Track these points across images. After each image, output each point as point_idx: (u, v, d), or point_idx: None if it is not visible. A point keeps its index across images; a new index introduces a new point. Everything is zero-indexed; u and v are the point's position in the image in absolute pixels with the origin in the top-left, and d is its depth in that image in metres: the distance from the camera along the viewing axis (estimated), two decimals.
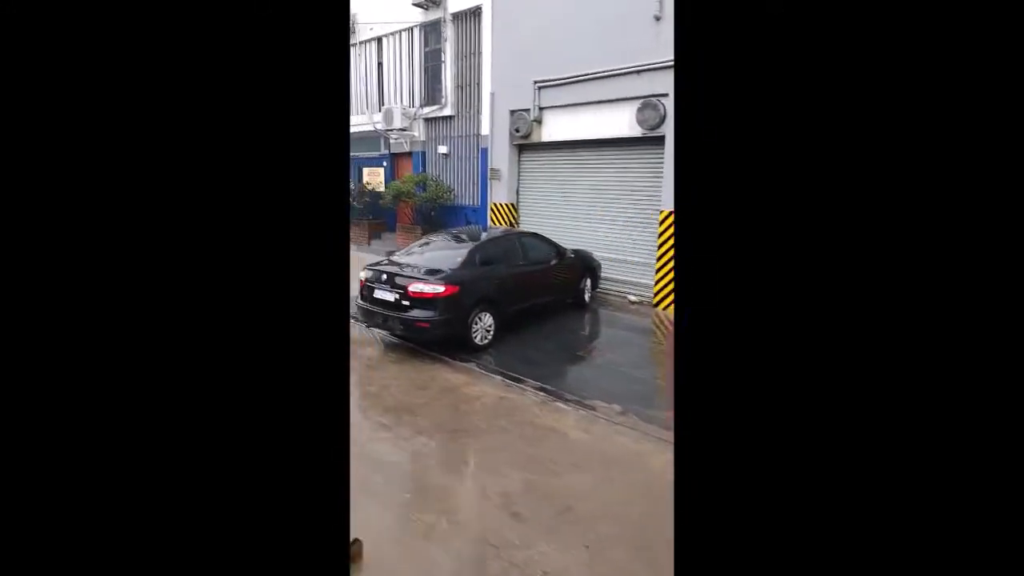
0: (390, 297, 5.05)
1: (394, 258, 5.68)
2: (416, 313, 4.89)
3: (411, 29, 10.19)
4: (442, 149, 9.97)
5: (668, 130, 6.53)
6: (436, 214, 9.87)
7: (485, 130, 9.00)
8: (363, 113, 11.65)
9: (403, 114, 10.14)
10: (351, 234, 11.42)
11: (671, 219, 6.61)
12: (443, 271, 5.07)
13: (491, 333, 5.34)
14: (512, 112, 8.42)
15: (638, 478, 3.08)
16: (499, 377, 4.63)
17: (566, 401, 4.16)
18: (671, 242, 6.64)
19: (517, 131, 8.32)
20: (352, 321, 6.07)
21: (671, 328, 6.23)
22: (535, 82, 7.93)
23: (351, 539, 2.20)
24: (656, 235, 7.01)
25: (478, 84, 9.12)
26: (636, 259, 7.48)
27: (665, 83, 6.58)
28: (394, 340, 5.56)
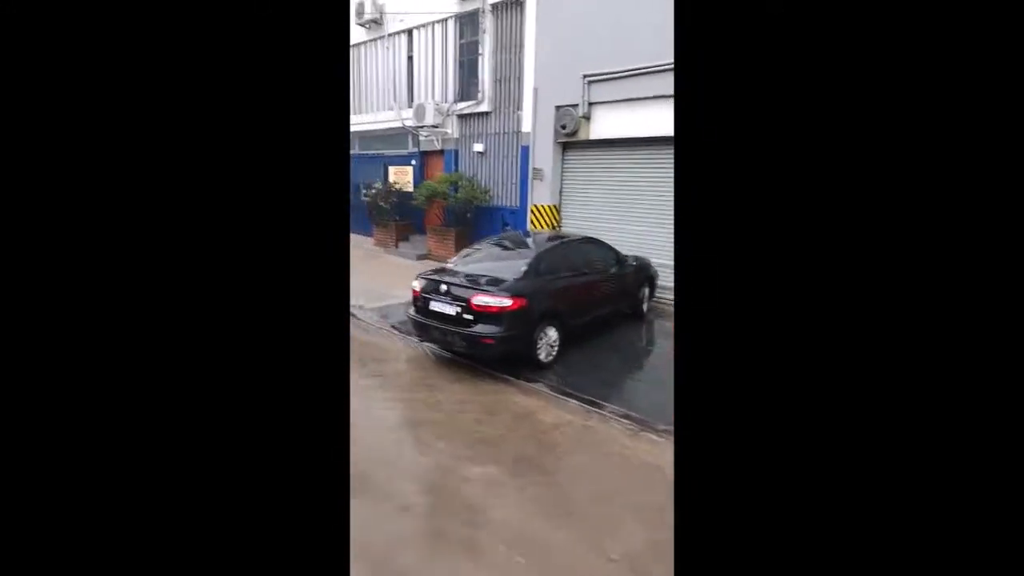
0: (450, 310, 4.60)
1: (448, 266, 5.22)
2: (480, 328, 4.44)
3: (445, 20, 9.71)
4: (478, 147, 9.48)
5: None
6: (471, 216, 9.40)
7: (526, 127, 8.53)
8: (390, 109, 11.21)
9: (436, 110, 9.68)
10: (378, 237, 11.01)
11: None
12: (506, 281, 4.62)
13: (555, 349, 4.89)
14: (557, 108, 7.94)
15: None
16: (574, 401, 4.18)
17: (657, 431, 3.71)
18: None
19: (563, 128, 7.84)
20: (397, 333, 5.66)
21: None
22: (584, 76, 7.44)
23: None
24: None
25: (518, 78, 8.63)
26: None
27: None
28: (444, 354, 5.12)
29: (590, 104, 7.57)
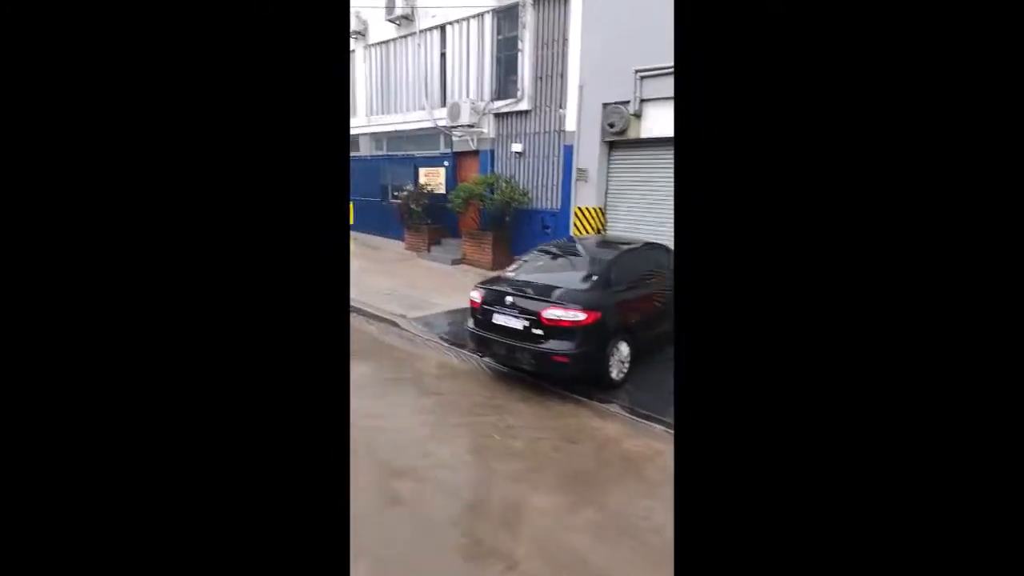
0: (517, 324, 4.22)
1: (507, 276, 4.85)
2: (552, 344, 4.06)
3: (481, 16, 9.35)
4: (516, 147, 9.09)
5: None
6: (509, 219, 9.02)
7: (570, 126, 8.13)
8: (421, 108, 10.88)
9: (472, 109, 9.31)
10: (410, 241, 10.68)
11: None
12: (577, 292, 4.24)
13: (626, 366, 4.50)
14: (604, 105, 7.54)
15: None
16: (658, 426, 3.79)
17: None
18: None
19: (611, 126, 7.44)
20: (445, 345, 5.30)
21: None
22: (636, 71, 7.03)
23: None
24: None
25: (561, 75, 8.23)
26: None
27: None
28: (501, 368, 4.75)
29: (642, 101, 7.16)
